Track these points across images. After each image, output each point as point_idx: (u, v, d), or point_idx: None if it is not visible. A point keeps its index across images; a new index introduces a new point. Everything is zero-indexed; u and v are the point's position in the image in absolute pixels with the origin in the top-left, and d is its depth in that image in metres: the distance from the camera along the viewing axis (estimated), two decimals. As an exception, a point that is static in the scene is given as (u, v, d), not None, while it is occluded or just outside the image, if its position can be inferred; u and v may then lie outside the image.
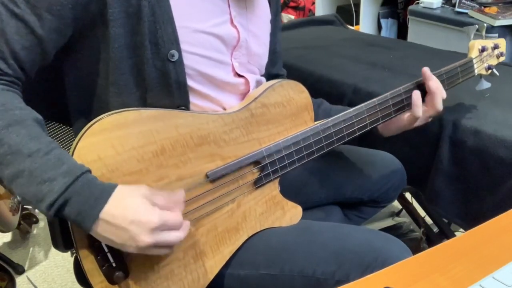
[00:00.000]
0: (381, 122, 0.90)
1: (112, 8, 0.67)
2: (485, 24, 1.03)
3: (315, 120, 0.88)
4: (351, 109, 0.87)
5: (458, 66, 0.98)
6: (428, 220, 1.55)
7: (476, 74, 1.03)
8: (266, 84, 0.84)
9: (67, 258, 1.76)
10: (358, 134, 0.88)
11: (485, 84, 1.05)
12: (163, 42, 0.70)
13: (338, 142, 0.86)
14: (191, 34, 0.73)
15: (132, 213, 0.61)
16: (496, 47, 1.04)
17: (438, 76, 0.94)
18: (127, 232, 0.60)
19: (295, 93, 0.84)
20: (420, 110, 0.90)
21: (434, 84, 0.90)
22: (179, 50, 0.71)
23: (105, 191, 0.61)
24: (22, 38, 0.65)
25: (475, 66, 1.02)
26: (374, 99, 0.89)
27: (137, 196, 0.62)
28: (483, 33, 1.03)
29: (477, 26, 1.02)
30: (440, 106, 0.91)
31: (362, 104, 0.88)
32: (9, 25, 0.64)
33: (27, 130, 0.62)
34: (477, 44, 1.02)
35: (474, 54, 1.01)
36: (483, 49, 1.02)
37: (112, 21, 0.68)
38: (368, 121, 0.88)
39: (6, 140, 0.60)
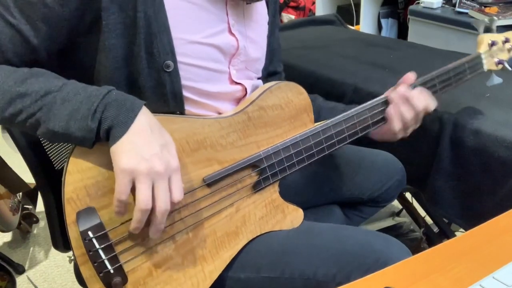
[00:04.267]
0: (384, 122, 0.88)
1: (106, 19, 0.67)
2: (496, 18, 0.98)
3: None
4: (352, 109, 0.85)
5: (465, 62, 0.95)
6: (428, 220, 1.54)
7: (485, 70, 0.99)
8: (263, 86, 0.83)
9: (67, 258, 1.76)
10: (360, 135, 0.86)
11: (496, 80, 1.01)
12: (158, 53, 0.70)
13: (339, 144, 0.84)
14: (187, 45, 0.72)
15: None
16: (507, 40, 0.99)
17: (445, 73, 0.91)
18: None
19: (294, 95, 0.82)
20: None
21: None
22: (174, 61, 0.71)
23: (137, 101, 0.65)
24: (16, 46, 0.65)
25: (484, 61, 0.98)
26: (374, 100, 0.87)
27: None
28: (494, 27, 0.98)
29: (487, 19, 0.98)
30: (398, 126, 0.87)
31: (364, 104, 0.86)
32: (3, 33, 0.64)
33: (45, 77, 0.64)
34: (486, 38, 0.98)
35: (483, 49, 0.98)
36: (492, 44, 0.97)
37: (107, 32, 0.67)
38: (370, 121, 0.86)
39: (30, 90, 0.62)
